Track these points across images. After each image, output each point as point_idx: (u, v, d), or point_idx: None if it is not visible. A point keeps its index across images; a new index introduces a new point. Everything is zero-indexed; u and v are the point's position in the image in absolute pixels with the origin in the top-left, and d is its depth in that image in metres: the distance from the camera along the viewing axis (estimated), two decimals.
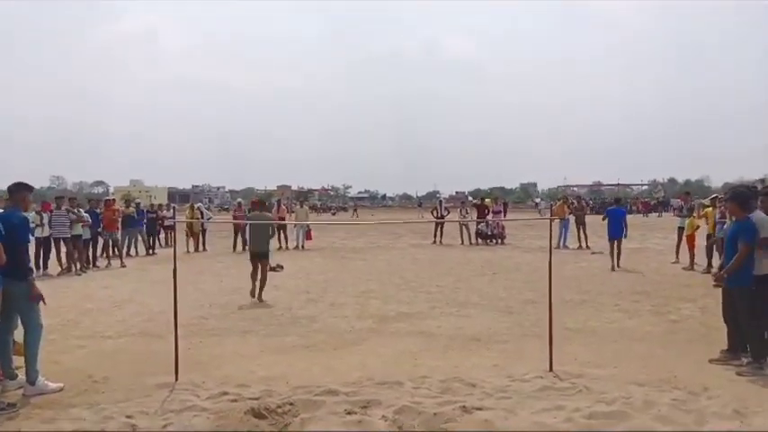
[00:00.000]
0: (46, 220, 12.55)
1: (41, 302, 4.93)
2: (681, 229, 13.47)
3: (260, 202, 12.37)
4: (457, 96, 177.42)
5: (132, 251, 16.46)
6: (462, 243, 19.32)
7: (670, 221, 22.24)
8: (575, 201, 20.89)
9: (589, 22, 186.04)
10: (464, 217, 20.82)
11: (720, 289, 5.76)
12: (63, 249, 12.83)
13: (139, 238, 16.91)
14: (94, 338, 6.75)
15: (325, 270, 13.02)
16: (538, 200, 77.88)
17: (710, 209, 12.11)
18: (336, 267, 13.53)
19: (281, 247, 17.67)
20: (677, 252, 13.56)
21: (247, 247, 11.36)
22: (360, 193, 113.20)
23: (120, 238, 15.20)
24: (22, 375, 4.92)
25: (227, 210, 66.10)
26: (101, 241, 14.57)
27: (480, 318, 7.76)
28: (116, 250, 14.81)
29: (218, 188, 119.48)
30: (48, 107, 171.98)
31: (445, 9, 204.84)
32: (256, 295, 9.12)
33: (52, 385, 4.81)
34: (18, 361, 5.02)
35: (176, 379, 4.95)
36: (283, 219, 19.03)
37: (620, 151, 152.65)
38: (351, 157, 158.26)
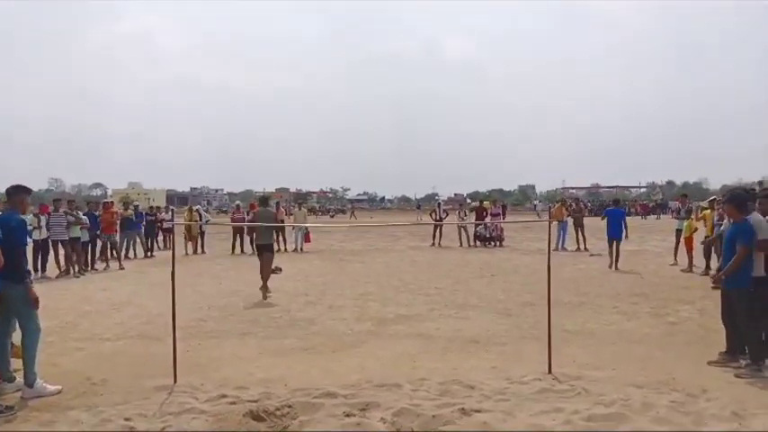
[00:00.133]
0: (43, 223, 12.55)
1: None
2: (679, 231, 13.51)
3: (264, 199, 12.67)
4: (457, 96, 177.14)
5: (131, 254, 16.44)
6: (461, 245, 19.32)
7: (668, 223, 22.30)
8: (573, 203, 20.83)
9: (589, 22, 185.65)
10: (462, 219, 20.82)
11: (719, 291, 5.78)
12: (61, 252, 12.83)
13: (138, 240, 16.92)
14: (93, 341, 6.73)
15: (324, 272, 13.01)
16: (536, 202, 78.01)
17: (708, 211, 12.14)
18: (335, 270, 13.53)
19: (279, 250, 17.66)
20: (675, 254, 13.58)
21: (253, 245, 12.18)
22: (359, 195, 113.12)
23: (118, 240, 15.21)
24: (20, 378, 4.91)
25: (225, 212, 66.08)
26: (99, 244, 14.56)
27: (479, 320, 7.76)
28: (114, 253, 14.84)
29: (217, 190, 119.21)
30: (47, 107, 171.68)
31: (445, 9, 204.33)
32: (260, 287, 9.48)
33: (50, 388, 4.80)
34: (16, 363, 5.02)
35: (175, 381, 4.94)
36: (282, 221, 19.04)
37: (619, 152, 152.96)
38: (350, 158, 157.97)
